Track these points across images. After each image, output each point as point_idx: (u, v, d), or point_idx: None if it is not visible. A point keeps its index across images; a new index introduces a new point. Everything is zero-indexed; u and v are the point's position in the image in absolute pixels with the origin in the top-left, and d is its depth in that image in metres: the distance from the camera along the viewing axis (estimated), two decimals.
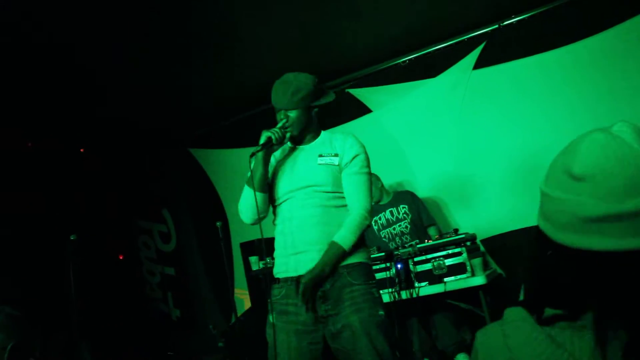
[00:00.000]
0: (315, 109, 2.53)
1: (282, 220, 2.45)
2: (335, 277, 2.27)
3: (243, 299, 5.95)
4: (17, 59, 4.27)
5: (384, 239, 4.83)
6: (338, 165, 2.43)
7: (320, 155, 2.45)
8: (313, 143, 2.54)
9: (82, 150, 6.39)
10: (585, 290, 0.85)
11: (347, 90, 5.71)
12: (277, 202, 2.48)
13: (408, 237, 4.69)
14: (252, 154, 2.39)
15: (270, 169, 2.52)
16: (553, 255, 0.90)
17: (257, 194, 2.39)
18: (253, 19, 4.34)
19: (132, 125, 6.11)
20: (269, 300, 2.40)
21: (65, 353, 4.96)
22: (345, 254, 2.27)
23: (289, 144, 2.57)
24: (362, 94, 5.67)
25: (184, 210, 6.87)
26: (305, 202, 2.37)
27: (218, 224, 5.03)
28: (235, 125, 6.17)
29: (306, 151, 2.52)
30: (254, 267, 4.96)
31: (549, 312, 0.88)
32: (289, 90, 2.44)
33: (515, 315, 0.91)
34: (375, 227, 4.86)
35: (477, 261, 3.95)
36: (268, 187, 2.49)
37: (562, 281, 0.88)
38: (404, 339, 4.52)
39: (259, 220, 2.43)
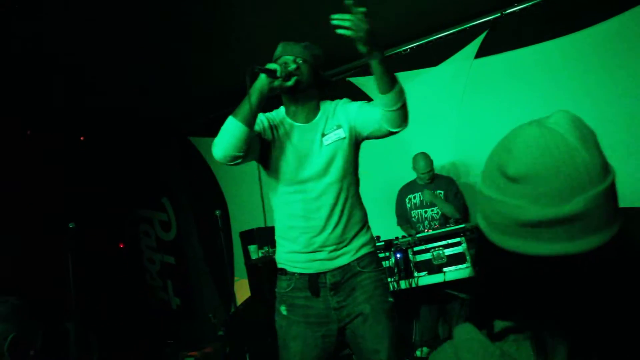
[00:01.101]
0: (320, 80, 2.34)
1: (292, 214, 2.25)
2: (346, 269, 2.22)
3: (243, 288, 5.95)
4: (15, 48, 4.25)
5: (413, 219, 4.80)
6: (345, 137, 2.25)
7: (324, 135, 2.26)
8: (315, 120, 2.31)
9: (82, 138, 6.37)
10: (521, 297, 0.80)
11: (348, 79, 5.67)
12: (284, 191, 2.27)
13: (436, 223, 4.66)
14: (250, 71, 2.10)
15: (272, 146, 2.27)
16: (489, 257, 0.85)
17: (241, 126, 2.04)
18: (253, 6, 4.31)
19: (132, 114, 6.09)
20: (277, 291, 2.32)
21: (69, 345, 4.96)
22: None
23: (289, 120, 2.31)
24: (364, 82, 5.63)
25: (184, 198, 6.87)
26: (319, 200, 2.20)
27: (217, 212, 5.02)
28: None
29: (309, 132, 2.28)
30: (253, 256, 4.95)
31: (498, 325, 0.82)
32: (301, 44, 2.29)
33: (465, 333, 0.84)
34: (409, 205, 4.85)
35: None
36: (269, 165, 2.28)
37: (498, 285, 0.84)
38: (405, 328, 4.54)
39: (234, 160, 2.10)
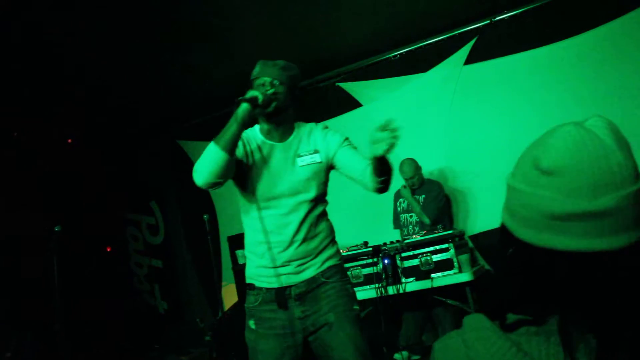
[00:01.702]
0: (296, 96, 2.37)
1: (261, 229, 2.28)
2: (310, 281, 2.27)
3: (230, 293, 5.92)
4: (5, 50, 4.21)
5: (401, 222, 4.82)
6: (321, 162, 2.32)
7: (299, 156, 2.31)
8: (289, 140, 2.34)
9: (69, 141, 6.32)
10: (547, 291, 0.80)
11: (337, 84, 5.68)
12: (255, 207, 2.30)
13: (417, 229, 4.67)
14: (237, 102, 2.17)
15: (245, 163, 2.29)
16: (514, 254, 0.86)
17: (223, 154, 2.08)
18: (243, 12, 4.30)
19: (120, 117, 6.05)
20: (245, 306, 2.35)
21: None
22: None
23: (263, 137, 2.34)
24: (353, 87, 5.64)
25: (172, 202, 6.83)
26: (288, 217, 2.25)
27: (205, 217, 4.99)
28: (225, 117, 6.06)
29: (283, 151, 2.32)
30: (241, 261, 4.93)
31: (511, 317, 0.82)
32: (278, 65, 2.29)
33: (476, 322, 0.84)
34: (399, 209, 4.87)
35: (464, 257, 3.94)
36: (242, 182, 2.32)
37: (522, 282, 0.84)
38: (392, 334, 4.52)
39: (214, 186, 2.15)
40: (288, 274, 2.26)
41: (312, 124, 2.43)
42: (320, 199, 2.34)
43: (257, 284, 2.31)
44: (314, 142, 2.35)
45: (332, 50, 5.27)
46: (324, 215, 2.37)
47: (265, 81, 2.26)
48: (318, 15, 4.58)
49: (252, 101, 2.15)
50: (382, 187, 2.25)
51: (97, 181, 6.55)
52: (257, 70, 2.33)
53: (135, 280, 7.07)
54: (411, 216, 4.78)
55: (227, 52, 4.91)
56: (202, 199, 6.42)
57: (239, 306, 5.21)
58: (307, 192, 2.28)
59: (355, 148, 2.38)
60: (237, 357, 4.68)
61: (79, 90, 5.18)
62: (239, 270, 4.96)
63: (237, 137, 2.13)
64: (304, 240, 2.26)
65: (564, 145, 0.78)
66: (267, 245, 2.26)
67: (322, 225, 2.34)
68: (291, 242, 2.24)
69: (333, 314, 2.22)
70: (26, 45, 4.25)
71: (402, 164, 4.78)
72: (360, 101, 5.62)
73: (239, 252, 4.95)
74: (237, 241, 5.06)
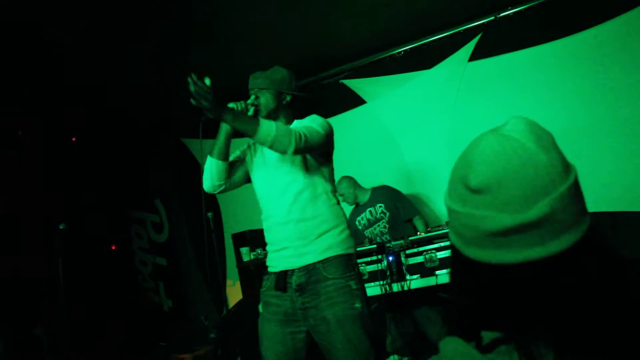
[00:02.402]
0: (287, 98, 2.55)
1: (264, 216, 2.50)
2: (312, 271, 2.32)
3: (235, 291, 5.92)
4: (7, 50, 4.22)
5: (367, 238, 4.82)
6: None
7: None
8: None
9: (73, 139, 6.33)
10: (500, 306, 0.80)
11: (341, 81, 5.67)
12: (258, 199, 2.54)
13: (388, 237, 4.65)
14: (203, 120, 2.46)
15: (250, 163, 2.62)
16: (465, 272, 0.85)
17: (216, 161, 2.49)
18: (248, 9, 4.29)
19: (125, 115, 6.06)
20: (260, 291, 2.49)
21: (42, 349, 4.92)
22: (252, 133, 2.21)
23: None
24: (357, 84, 5.63)
25: (176, 200, 6.84)
26: (279, 200, 2.41)
27: (209, 214, 5.00)
28: None
29: None
30: (245, 258, 4.93)
31: (486, 336, 0.81)
32: (263, 74, 2.53)
33: (452, 348, 0.82)
34: (360, 227, 4.84)
35: None
36: (251, 178, 2.60)
37: (475, 299, 0.83)
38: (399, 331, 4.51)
39: (218, 189, 2.57)
40: (290, 256, 2.36)
41: (312, 115, 2.56)
42: (313, 180, 2.43)
43: (269, 269, 2.48)
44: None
45: (336, 47, 5.26)
46: (323, 198, 2.44)
47: (251, 92, 2.53)
48: (321, 12, 4.57)
49: None
50: (275, 149, 2.23)
51: (102, 179, 6.55)
52: (249, 83, 2.59)
53: (140, 278, 7.08)
54: (375, 228, 4.75)
55: (232, 49, 4.90)
56: (207, 196, 6.42)
57: (243, 304, 5.21)
58: (296, 173, 2.42)
59: (308, 120, 2.47)
60: (242, 355, 4.68)
61: (82, 89, 5.18)
62: (244, 268, 4.97)
63: (224, 144, 2.49)
64: (299, 220, 2.36)
65: (486, 160, 0.78)
66: (270, 229, 2.47)
67: (322, 208, 2.41)
68: (286, 222, 2.38)
69: (332, 312, 2.25)
70: (27, 45, 4.25)
71: (338, 182, 4.74)
72: (364, 98, 5.61)
73: (243, 250, 4.95)
74: (242, 239, 5.06)
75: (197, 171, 6.48)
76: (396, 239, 4.23)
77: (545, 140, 0.79)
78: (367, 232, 4.80)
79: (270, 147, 2.23)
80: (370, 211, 4.78)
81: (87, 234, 6.03)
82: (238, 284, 5.43)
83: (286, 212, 2.38)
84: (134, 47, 4.61)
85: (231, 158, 2.60)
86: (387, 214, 4.72)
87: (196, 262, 6.63)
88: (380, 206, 4.75)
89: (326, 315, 2.25)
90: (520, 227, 0.75)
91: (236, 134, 2.46)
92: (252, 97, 2.50)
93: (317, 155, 2.47)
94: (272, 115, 2.50)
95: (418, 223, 4.73)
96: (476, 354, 0.79)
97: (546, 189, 0.75)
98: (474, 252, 0.82)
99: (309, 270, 2.32)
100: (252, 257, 4.85)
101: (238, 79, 5.49)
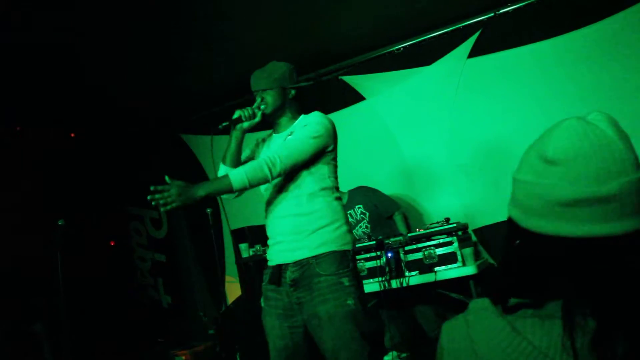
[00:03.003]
0: (292, 92, 2.59)
1: (266, 210, 2.55)
2: (305, 266, 2.33)
3: (233, 287, 5.93)
4: (9, 45, 4.21)
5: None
6: None
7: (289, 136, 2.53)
8: (289, 129, 2.58)
9: (72, 135, 6.32)
10: (553, 277, 0.84)
11: (340, 77, 5.66)
12: (263, 192, 2.58)
13: (368, 238, 4.64)
14: (214, 131, 2.52)
15: (258, 154, 2.67)
16: (520, 244, 0.89)
17: (226, 168, 2.50)
18: (246, 5, 4.28)
19: (124, 111, 6.05)
20: (262, 285, 2.53)
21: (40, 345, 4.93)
22: (230, 189, 2.29)
23: (272, 132, 2.67)
24: (356, 81, 5.62)
25: None
26: (279, 195, 2.45)
27: (208, 210, 5.00)
28: (228, 111, 6.07)
29: (280, 138, 2.57)
30: (244, 255, 4.94)
31: (513, 301, 0.87)
32: (264, 73, 2.55)
33: (479, 305, 0.90)
34: None
35: (468, 251, 3.93)
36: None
37: (527, 269, 0.87)
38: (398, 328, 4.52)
39: (233, 196, 2.54)
40: (284, 250, 2.40)
41: (312, 113, 2.59)
42: (313, 175, 2.44)
43: (268, 262, 2.52)
44: (304, 125, 2.52)
45: (335, 43, 5.25)
46: (323, 193, 2.44)
47: (256, 94, 2.57)
48: (320, 8, 4.56)
49: (235, 122, 2.52)
50: (252, 185, 2.33)
51: (101, 175, 6.55)
52: (251, 83, 2.61)
53: (139, 275, 7.08)
54: (357, 230, 4.75)
55: (231, 46, 4.90)
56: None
57: (242, 300, 5.22)
58: (293, 169, 2.41)
59: (302, 135, 2.44)
60: (241, 351, 4.69)
61: (81, 85, 5.17)
62: (243, 264, 4.97)
63: (236, 151, 2.55)
64: (293, 214, 2.40)
65: (567, 136, 0.83)
66: (269, 223, 2.52)
67: (318, 205, 2.40)
68: (283, 216, 2.42)
69: (324, 309, 2.25)
70: (26, 43, 4.24)
71: None
72: (364, 94, 5.60)
73: (242, 246, 4.95)
74: (241, 235, 5.06)
75: (196, 167, 6.51)
76: (387, 237, 4.24)
77: (624, 134, 0.84)
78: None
79: (253, 187, 2.33)
80: (350, 214, 4.73)
81: (85, 230, 6.03)
82: (237, 280, 5.43)
83: (284, 206, 2.42)
84: (134, 44, 4.60)
85: (243, 158, 2.64)
86: (367, 214, 4.70)
87: (195, 258, 6.63)
88: (359, 207, 4.74)
89: (318, 311, 2.26)
90: (588, 200, 0.80)
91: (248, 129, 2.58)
92: (258, 99, 2.54)
93: (318, 154, 2.47)
94: (279, 112, 2.57)
95: (397, 219, 4.72)
96: (497, 314, 0.86)
97: (618, 172, 0.80)
98: (535, 223, 0.86)
99: (303, 265, 2.33)
100: (251, 253, 4.85)
101: (236, 76, 5.52)
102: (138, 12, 4.13)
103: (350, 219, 4.74)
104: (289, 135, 2.50)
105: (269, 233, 2.52)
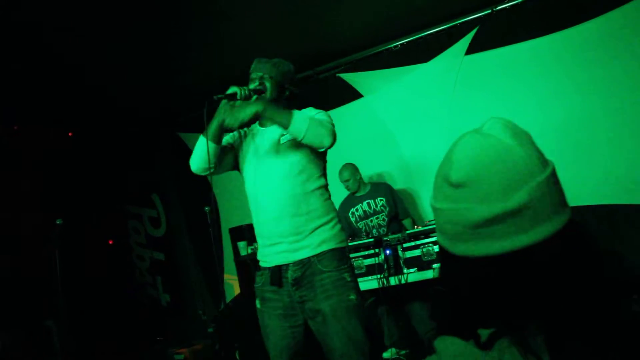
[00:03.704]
0: (286, 93, 2.55)
1: (254, 207, 2.47)
2: (307, 264, 2.32)
3: (232, 285, 5.93)
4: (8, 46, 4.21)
5: (360, 230, 4.83)
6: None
7: (283, 135, 2.43)
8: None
9: (70, 134, 6.31)
10: (491, 301, 0.82)
11: (338, 74, 5.66)
12: (247, 186, 2.50)
13: (384, 230, 4.68)
14: (210, 101, 2.38)
15: (240, 150, 2.58)
16: (455, 270, 0.88)
17: (210, 144, 2.40)
18: (245, 4, 4.27)
19: (122, 110, 6.04)
20: (255, 287, 2.49)
21: (53, 342, 4.94)
22: (285, 125, 2.26)
23: (258, 126, 2.56)
24: (354, 78, 5.62)
25: (173, 195, 6.83)
26: (273, 194, 2.37)
27: (207, 209, 4.99)
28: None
29: (272, 131, 2.49)
30: (243, 253, 4.93)
31: (483, 333, 0.82)
32: (270, 62, 2.50)
33: (452, 347, 0.84)
34: (353, 219, 4.85)
35: None
36: (240, 167, 2.57)
37: (466, 294, 0.86)
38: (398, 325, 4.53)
39: (206, 171, 2.47)
40: (284, 252, 2.35)
41: (303, 109, 2.52)
42: (307, 174, 2.40)
43: (262, 264, 2.46)
44: None
45: (333, 40, 5.25)
46: (317, 193, 2.42)
47: (257, 75, 2.48)
48: (318, 6, 4.55)
49: (231, 97, 2.34)
50: (309, 143, 2.29)
51: (99, 174, 6.54)
52: (252, 66, 2.53)
53: (138, 273, 7.08)
54: (371, 220, 4.80)
55: (228, 43, 4.89)
56: (204, 190, 6.42)
57: (241, 298, 5.22)
58: (291, 167, 2.38)
59: (314, 112, 2.45)
60: (240, 349, 4.69)
61: (80, 84, 5.16)
62: (241, 262, 4.97)
63: (219, 128, 2.39)
64: (292, 214, 2.34)
65: (465, 155, 0.82)
66: (261, 223, 2.43)
67: (316, 203, 2.39)
68: (280, 217, 2.34)
69: (327, 305, 2.27)
70: (25, 42, 4.23)
71: (340, 168, 4.83)
72: (361, 92, 5.60)
73: (240, 244, 4.95)
74: (239, 233, 5.06)
75: None
76: (394, 233, 4.25)
77: (522, 136, 0.82)
78: (360, 224, 4.82)
79: (303, 140, 2.25)
80: (368, 203, 4.82)
81: (84, 229, 6.02)
82: (236, 278, 5.43)
83: (281, 206, 2.34)
84: (132, 43, 4.59)
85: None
86: (387, 208, 4.76)
87: (194, 256, 6.63)
88: (381, 200, 4.79)
89: (322, 307, 2.27)
90: (501, 216, 0.78)
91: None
92: (257, 82, 2.46)
93: (314, 150, 2.44)
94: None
95: (407, 223, 4.81)
96: (477, 352, 0.81)
97: (524, 179, 0.78)
98: (459, 248, 0.85)
99: (304, 264, 2.32)
100: (250, 251, 4.85)
101: (233, 73, 5.52)
102: (136, 12, 4.13)
103: (367, 208, 4.83)
104: (283, 134, 2.42)
105: (261, 233, 2.44)
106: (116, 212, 6.98)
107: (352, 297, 2.31)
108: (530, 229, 0.78)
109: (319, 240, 2.34)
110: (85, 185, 6.29)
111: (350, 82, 5.62)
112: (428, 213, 5.11)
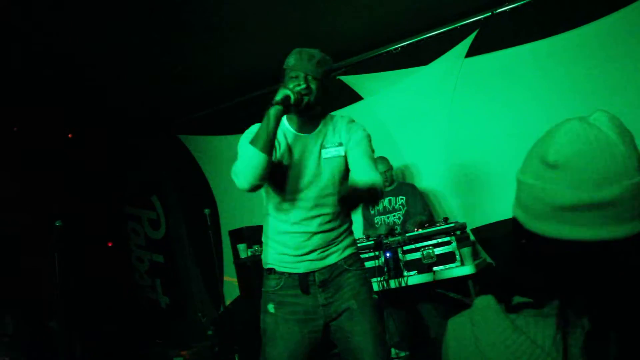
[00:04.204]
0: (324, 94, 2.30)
1: (285, 219, 2.31)
2: (333, 267, 2.30)
3: (232, 287, 5.92)
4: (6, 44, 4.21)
5: (376, 225, 4.82)
6: (344, 155, 2.31)
7: (323, 147, 2.29)
8: (316, 131, 2.32)
9: (69, 135, 6.30)
10: (553, 278, 0.85)
11: (338, 77, 5.65)
12: (281, 199, 2.31)
13: (399, 229, 4.68)
14: (269, 107, 2.12)
15: (275, 155, 2.26)
16: (526, 244, 0.90)
17: (264, 156, 2.08)
18: (244, 5, 4.27)
19: (121, 112, 6.04)
20: (264, 290, 2.37)
21: (55, 344, 4.94)
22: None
23: (292, 130, 2.33)
24: (354, 81, 5.62)
25: (173, 197, 6.83)
26: (315, 210, 2.28)
27: (206, 211, 4.99)
28: (225, 111, 6.11)
29: (309, 142, 2.30)
30: (242, 255, 4.93)
31: (517, 299, 0.88)
32: (314, 59, 2.27)
33: (483, 302, 0.91)
34: (372, 212, 4.85)
35: (466, 250, 3.93)
36: (269, 175, 2.25)
37: (531, 269, 0.89)
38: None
39: (256, 187, 2.17)
40: (312, 260, 2.29)
41: (339, 116, 2.42)
42: (338, 190, 2.33)
43: (278, 268, 2.33)
44: (339, 135, 2.34)
45: (333, 43, 5.23)
46: (343, 209, 2.38)
47: (299, 75, 2.23)
48: (318, 8, 4.56)
49: (285, 101, 2.12)
50: (345, 205, 2.22)
51: (98, 176, 6.53)
52: (292, 61, 2.29)
53: (137, 276, 7.07)
54: (388, 217, 4.78)
55: (227, 46, 4.89)
56: (203, 193, 6.42)
57: (240, 300, 5.21)
58: (331, 185, 2.29)
59: (368, 151, 2.32)
60: (239, 351, 4.68)
61: (79, 86, 5.16)
62: (241, 265, 4.96)
63: (273, 137, 2.12)
64: (328, 230, 2.30)
65: (568, 139, 0.82)
66: (292, 235, 2.30)
67: (344, 216, 2.38)
68: (316, 233, 2.28)
69: (355, 301, 2.26)
70: (24, 43, 4.23)
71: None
72: (362, 94, 5.60)
73: (240, 246, 4.94)
74: (239, 235, 5.05)
75: (193, 167, 6.50)
76: (401, 234, 4.25)
77: (626, 135, 0.83)
78: (377, 219, 4.80)
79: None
80: (390, 200, 4.82)
81: (83, 231, 6.01)
82: (235, 280, 5.42)
83: (318, 224, 2.28)
84: (131, 45, 4.59)
85: None
86: (406, 208, 4.75)
87: (193, 258, 6.62)
88: (402, 198, 4.78)
89: (350, 304, 2.26)
90: (589, 205, 0.80)
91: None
92: (302, 84, 2.20)
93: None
94: (313, 108, 2.26)
95: (419, 218, 4.75)
96: (500, 312, 0.87)
97: (620, 175, 0.79)
98: (538, 226, 0.86)
99: (331, 267, 2.31)
100: (249, 253, 4.85)
101: (233, 77, 5.52)
102: (137, 12, 4.13)
103: (387, 204, 4.82)
104: (322, 148, 2.29)
105: (290, 244, 2.29)
106: (115, 214, 6.96)
107: (375, 296, 2.35)
108: (612, 225, 0.80)
109: (345, 245, 2.36)
110: (84, 187, 6.28)
111: (351, 85, 5.62)
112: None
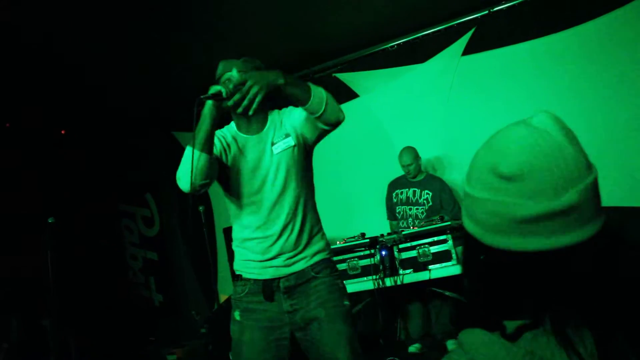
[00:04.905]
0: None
1: (246, 225, 2.27)
2: (300, 274, 2.23)
3: (226, 285, 5.90)
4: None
5: (397, 214, 4.77)
6: (295, 144, 2.24)
7: (273, 144, 2.24)
8: (264, 130, 2.28)
9: (63, 132, 6.26)
10: (525, 293, 0.83)
11: (334, 74, 5.64)
12: (240, 204, 2.28)
13: (421, 222, 4.63)
14: (197, 102, 2.08)
15: (226, 162, 2.26)
16: (485, 260, 0.87)
17: (204, 155, 2.06)
18: (240, 3, 4.25)
19: (115, 109, 6.00)
20: (232, 297, 2.34)
21: (48, 342, 4.90)
22: (306, 97, 2.05)
23: (238, 132, 2.29)
24: (350, 78, 5.60)
25: (167, 194, 6.79)
26: (274, 211, 2.22)
27: (201, 208, 4.97)
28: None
29: (258, 142, 2.26)
30: None
31: (510, 325, 0.83)
32: (240, 60, 2.26)
33: (477, 339, 0.84)
34: (395, 200, 4.81)
35: (462, 249, 3.91)
36: (224, 180, 2.28)
37: (498, 285, 0.86)
38: (389, 326, 4.52)
39: (200, 187, 2.12)
40: (277, 266, 2.23)
41: (283, 109, 2.36)
42: (302, 186, 2.27)
43: (245, 275, 2.29)
44: (285, 127, 2.28)
45: (329, 40, 5.23)
46: (311, 205, 2.33)
47: (230, 76, 2.18)
48: (314, 6, 4.53)
49: (216, 96, 2.07)
50: (324, 118, 2.11)
51: (92, 173, 6.49)
52: (220, 69, 2.27)
53: (130, 273, 7.04)
54: (410, 209, 4.74)
55: (223, 42, 4.86)
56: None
57: None
58: (286, 182, 2.23)
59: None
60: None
61: (73, 83, 5.13)
62: None
63: (210, 134, 2.09)
64: (292, 232, 2.23)
65: (519, 148, 0.80)
66: (255, 240, 2.25)
67: (310, 216, 2.30)
68: (279, 236, 2.22)
69: (323, 310, 2.19)
70: (22, 42, 4.21)
71: (401, 151, 4.76)
72: (357, 92, 5.58)
73: None
74: None
75: None
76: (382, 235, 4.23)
77: (571, 135, 0.82)
78: (399, 208, 4.77)
79: (322, 116, 2.08)
80: (414, 191, 4.74)
81: (77, 228, 5.98)
82: (229, 278, 5.39)
83: (282, 224, 2.22)
84: (125, 43, 4.56)
85: None
86: (431, 203, 4.68)
87: (187, 256, 6.59)
88: (428, 193, 4.69)
89: (317, 313, 2.19)
90: (550, 214, 0.78)
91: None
92: (235, 79, 2.14)
93: (309, 156, 2.33)
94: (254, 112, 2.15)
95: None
96: (504, 342, 0.82)
97: (575, 179, 0.78)
98: (497, 240, 0.83)
99: (298, 274, 2.24)
100: None
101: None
102: (134, 10, 4.10)
103: (411, 196, 4.75)
104: (272, 144, 2.23)
105: (254, 249, 2.26)
106: (109, 212, 6.93)
107: (346, 302, 2.25)
108: (573, 230, 0.78)
109: (314, 250, 2.27)
110: (78, 184, 6.24)
111: (347, 82, 5.60)
112: None
